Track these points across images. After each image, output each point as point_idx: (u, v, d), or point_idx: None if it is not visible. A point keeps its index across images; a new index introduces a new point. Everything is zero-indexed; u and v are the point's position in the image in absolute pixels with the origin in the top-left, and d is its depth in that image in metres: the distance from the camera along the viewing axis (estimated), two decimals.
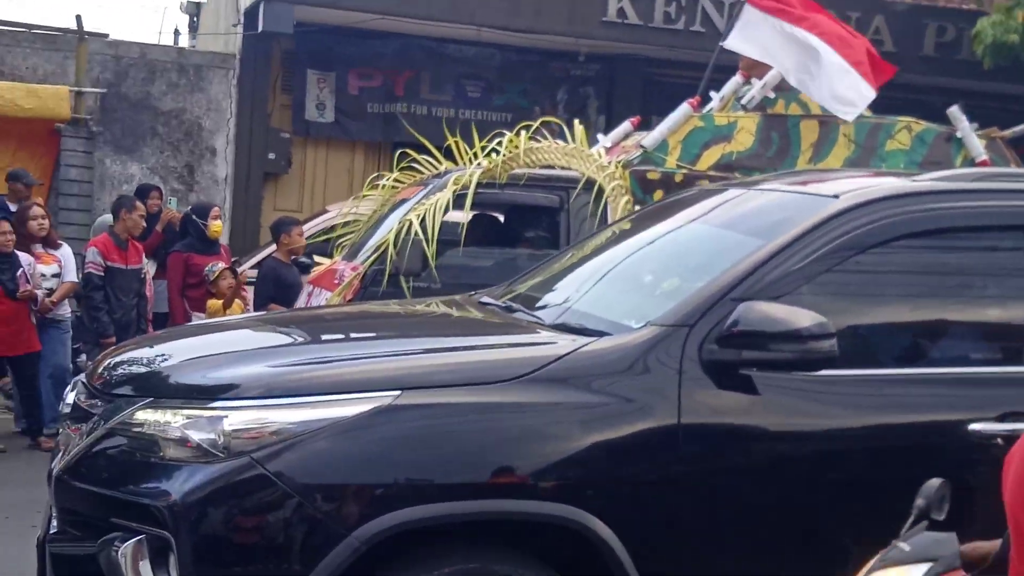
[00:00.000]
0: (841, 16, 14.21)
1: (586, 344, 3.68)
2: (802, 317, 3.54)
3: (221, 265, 9.12)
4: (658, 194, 7.03)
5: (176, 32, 19.32)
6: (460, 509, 3.44)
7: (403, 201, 7.47)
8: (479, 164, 7.32)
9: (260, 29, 13.41)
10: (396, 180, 8.00)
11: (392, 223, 7.15)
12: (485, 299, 4.71)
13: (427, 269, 6.88)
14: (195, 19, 19.07)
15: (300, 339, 4.24)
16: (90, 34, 12.93)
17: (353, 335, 4.42)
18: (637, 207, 6.90)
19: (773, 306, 3.60)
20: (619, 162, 7.19)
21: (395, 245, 6.86)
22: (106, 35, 13.66)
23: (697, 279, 3.92)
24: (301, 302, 7.63)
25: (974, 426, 3.73)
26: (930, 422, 3.82)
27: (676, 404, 3.57)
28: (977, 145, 7.50)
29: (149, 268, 9.57)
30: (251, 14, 13.76)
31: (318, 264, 7.94)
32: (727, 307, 3.64)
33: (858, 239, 3.87)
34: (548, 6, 13.69)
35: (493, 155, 7.35)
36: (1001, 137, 7.79)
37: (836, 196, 4.02)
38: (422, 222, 6.84)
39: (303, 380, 3.53)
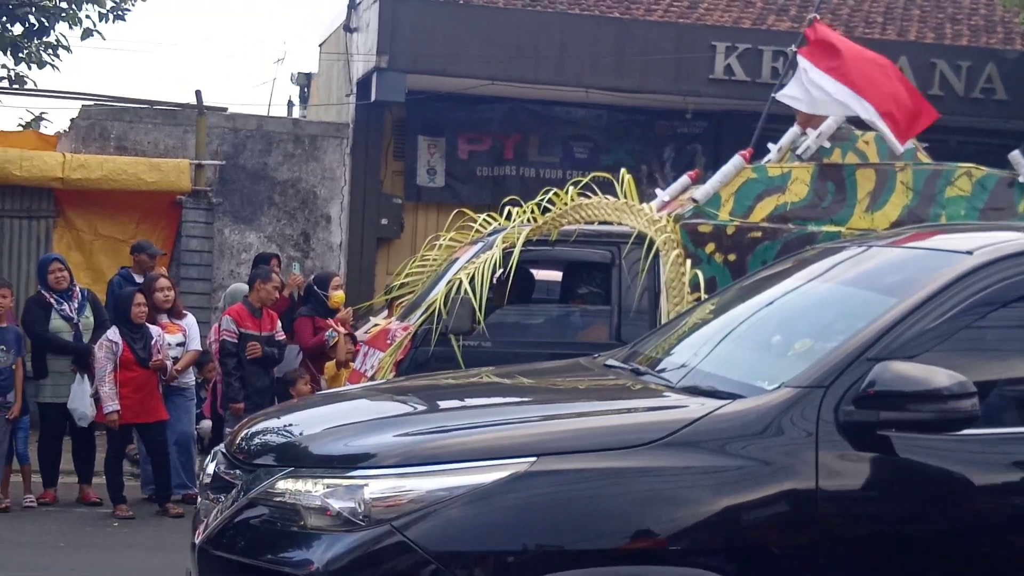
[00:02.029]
0: (951, 65, 14.13)
1: (720, 407, 3.66)
2: (940, 376, 3.49)
3: (341, 331, 9.25)
4: (710, 247, 6.97)
5: (289, 103, 19.74)
6: (598, 575, 3.43)
7: (456, 260, 7.49)
8: (529, 222, 7.30)
9: (373, 98, 13.70)
10: (453, 239, 8.03)
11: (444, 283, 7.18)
12: (611, 362, 4.71)
13: (476, 327, 6.86)
14: (305, 90, 19.49)
15: (433, 407, 4.28)
16: (209, 108, 13.33)
17: (483, 402, 4.44)
18: (688, 260, 6.85)
19: (910, 365, 3.55)
20: (670, 216, 7.15)
21: (445, 304, 6.85)
22: (224, 109, 14.06)
23: (830, 339, 3.88)
24: (357, 364, 7.66)
25: None
26: None
27: (814, 466, 3.53)
28: None
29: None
30: (364, 84, 14.07)
31: (375, 325, 7.98)
32: (863, 367, 3.60)
33: (995, 295, 3.79)
34: (655, 66, 13.75)
35: (546, 213, 7.34)
36: None
37: (970, 252, 3.96)
38: (471, 280, 6.84)
39: (440, 448, 3.56)
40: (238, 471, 3.86)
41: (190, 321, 9.55)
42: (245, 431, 4.14)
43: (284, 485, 3.59)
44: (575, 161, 14.55)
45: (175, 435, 9.22)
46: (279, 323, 9.43)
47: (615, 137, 14.79)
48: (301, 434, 3.94)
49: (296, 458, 3.73)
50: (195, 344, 9.43)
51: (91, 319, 9.23)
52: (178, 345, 9.26)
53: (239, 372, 9.08)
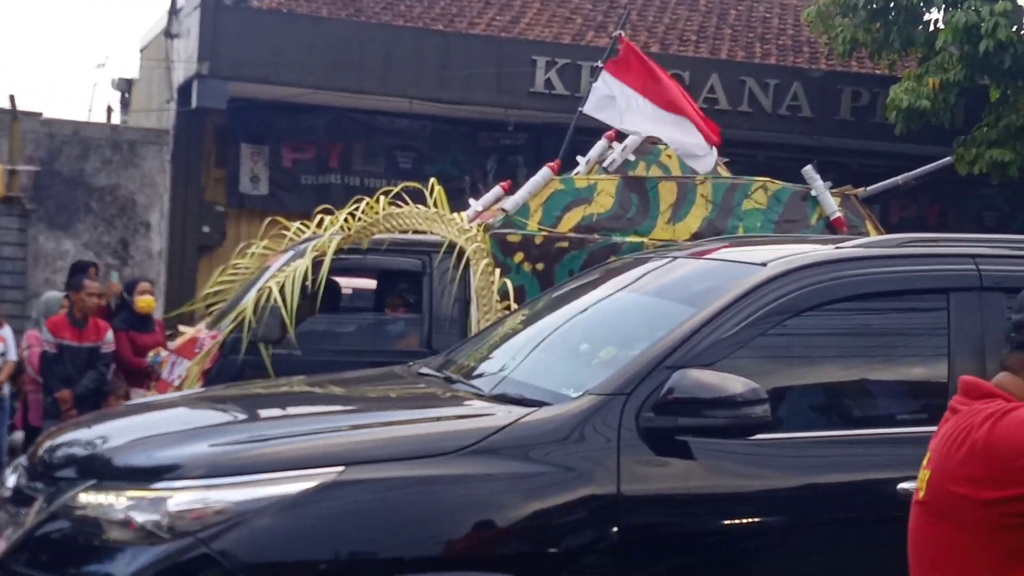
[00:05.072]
0: (760, 83, 14.68)
1: (525, 415, 3.73)
2: (735, 383, 3.63)
3: (164, 354, 9.02)
4: (519, 256, 7.11)
5: (109, 109, 19.25)
6: None
7: (268, 268, 7.44)
8: (342, 230, 7.29)
9: (194, 105, 13.49)
10: (266, 247, 7.97)
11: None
12: (424, 370, 4.75)
13: (286, 336, 6.84)
14: (126, 95, 19.06)
15: (242, 417, 4.26)
16: (23, 113, 12.93)
17: (294, 411, 4.45)
18: (498, 269, 6.99)
19: (706, 373, 3.69)
20: (480, 225, 7.28)
21: (255, 312, 6.82)
22: (39, 114, 13.66)
23: (632, 347, 4.01)
24: (165, 373, 7.54)
25: (903, 485, 3.83)
26: (861, 482, 3.92)
27: (615, 472, 3.63)
28: (831, 203, 7.69)
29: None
30: (184, 90, 13.85)
31: (182, 333, 7.86)
32: (662, 375, 3.71)
33: (786, 305, 3.97)
34: (477, 78, 13.91)
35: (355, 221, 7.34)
36: (855, 195, 8.01)
37: (764, 264, 4.14)
38: (281, 288, 6.82)
39: (247, 458, 3.55)
40: (40, 484, 3.77)
41: (7, 331, 9.28)
42: (48, 442, 4.05)
43: (86, 498, 3.53)
44: (399, 171, 14.58)
45: None
46: (109, 334, 9.16)
47: (439, 148, 14.90)
48: (105, 445, 3.87)
49: (99, 470, 3.66)
50: (12, 354, 9.15)
51: None
52: (0, 355, 9.01)
53: (59, 385, 8.82)
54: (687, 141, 7.67)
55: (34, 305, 10.44)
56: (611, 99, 7.93)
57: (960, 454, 2.28)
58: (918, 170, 8.57)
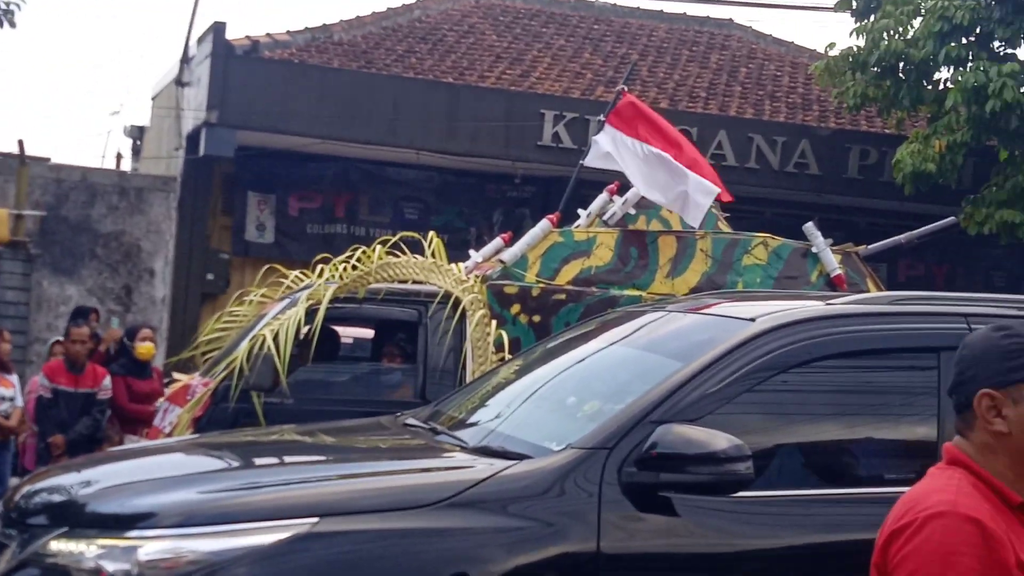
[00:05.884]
0: (768, 140, 14.70)
1: (505, 468, 3.69)
2: (718, 439, 3.57)
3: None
4: (515, 308, 7.07)
5: (118, 155, 19.37)
6: None
7: (264, 316, 7.42)
8: (331, 280, 7.26)
9: (202, 153, 13.55)
10: (264, 295, 7.96)
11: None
12: (410, 421, 4.71)
13: (278, 384, 6.80)
14: (138, 142, 19.18)
15: (223, 465, 4.22)
16: (31, 158, 13.00)
17: (274, 461, 4.40)
18: (494, 320, 6.95)
19: (690, 428, 3.63)
20: (477, 276, 7.25)
21: (247, 360, 6.79)
22: (47, 159, 13.73)
23: (617, 401, 3.96)
24: (156, 420, 7.51)
25: None
26: (848, 542, 3.84)
27: (595, 527, 3.57)
28: (832, 260, 7.65)
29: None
30: (193, 138, 13.91)
31: (176, 381, 7.84)
32: (646, 429, 3.66)
33: (774, 361, 3.92)
34: (485, 130, 13.95)
35: (352, 270, 7.32)
36: (856, 253, 7.97)
37: (753, 319, 4.10)
38: (275, 337, 6.79)
39: (221, 508, 3.50)
40: (14, 531, 3.72)
41: (14, 377, 9.33)
42: (26, 488, 4.01)
43: (57, 546, 3.48)
44: (405, 221, 14.59)
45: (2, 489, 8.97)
46: (106, 380, 9.15)
47: (445, 199, 14.94)
48: (82, 492, 3.82)
49: (72, 517, 3.62)
50: (20, 400, 9.20)
51: None
52: (9, 400, 9.03)
53: (55, 429, 8.84)
54: (682, 189, 7.62)
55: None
56: (612, 150, 7.93)
57: (882, 538, 2.41)
58: (920, 229, 8.54)
